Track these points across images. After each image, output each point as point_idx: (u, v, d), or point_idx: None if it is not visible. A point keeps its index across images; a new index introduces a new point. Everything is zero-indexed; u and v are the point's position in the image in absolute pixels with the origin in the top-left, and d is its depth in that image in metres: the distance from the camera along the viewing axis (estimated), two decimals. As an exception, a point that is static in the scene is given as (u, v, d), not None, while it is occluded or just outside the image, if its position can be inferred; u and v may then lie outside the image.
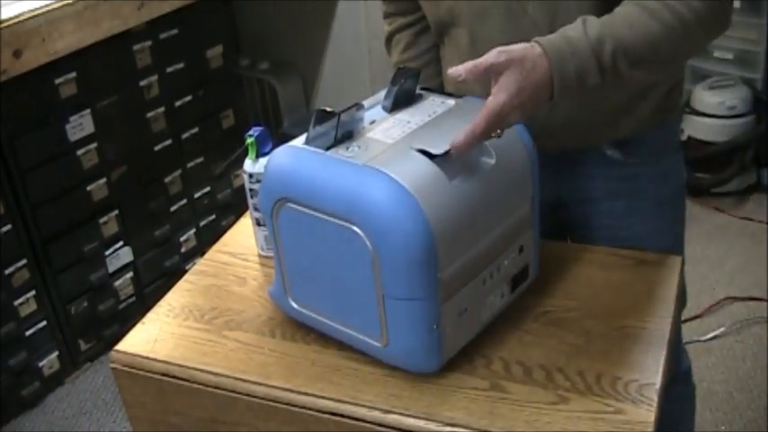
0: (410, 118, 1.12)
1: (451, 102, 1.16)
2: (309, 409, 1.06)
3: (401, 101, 1.15)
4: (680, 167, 1.38)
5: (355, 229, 0.97)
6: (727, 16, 1.11)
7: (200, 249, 2.59)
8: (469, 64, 1.00)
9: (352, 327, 1.07)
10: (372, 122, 1.11)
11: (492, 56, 1.00)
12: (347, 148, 1.05)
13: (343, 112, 1.05)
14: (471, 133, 0.98)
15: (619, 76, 1.05)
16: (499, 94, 0.99)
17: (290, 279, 1.11)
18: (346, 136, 1.07)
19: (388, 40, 1.41)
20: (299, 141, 1.08)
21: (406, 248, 0.96)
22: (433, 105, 1.15)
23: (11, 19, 1.87)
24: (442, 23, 1.29)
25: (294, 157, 1.05)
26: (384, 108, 1.15)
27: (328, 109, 1.06)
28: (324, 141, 1.05)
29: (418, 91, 1.18)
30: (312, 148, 1.05)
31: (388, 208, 0.96)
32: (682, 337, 1.48)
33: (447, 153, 1.00)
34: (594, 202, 1.34)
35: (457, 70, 1.00)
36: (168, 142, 2.45)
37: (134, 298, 2.45)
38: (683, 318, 1.41)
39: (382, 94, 1.17)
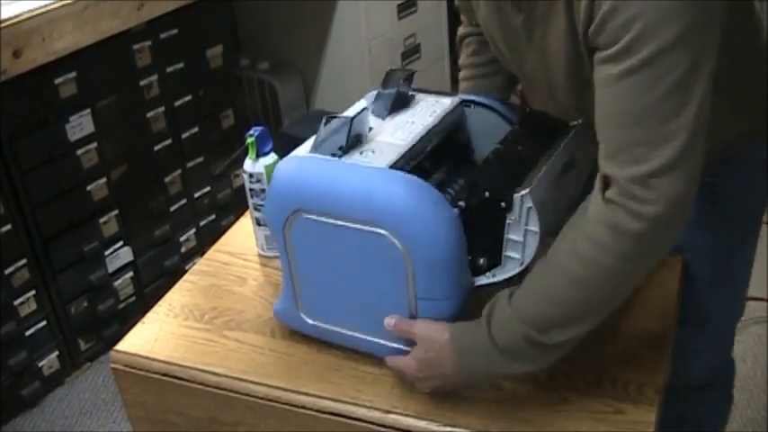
0: (412, 119, 1.11)
1: (447, 101, 1.15)
2: (309, 408, 1.06)
3: (398, 103, 1.14)
4: (762, 187, 1.28)
5: (386, 233, 0.96)
6: (676, 222, 0.93)
7: (200, 249, 2.58)
8: (395, 323, 1.04)
9: (377, 334, 1.06)
10: (371, 128, 1.10)
11: (415, 326, 1.03)
12: (361, 153, 1.03)
13: (354, 117, 1.04)
14: (387, 362, 1.07)
15: (551, 347, 0.97)
16: (410, 361, 1.04)
17: (304, 293, 1.09)
18: (355, 141, 1.06)
19: (460, 40, 1.39)
20: (303, 151, 1.06)
21: (441, 249, 0.96)
22: (430, 105, 1.14)
23: (10, 19, 1.87)
24: None
25: (309, 167, 1.03)
26: (379, 112, 1.13)
27: (339, 115, 1.05)
28: (331, 147, 1.04)
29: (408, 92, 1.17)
30: (326, 157, 1.03)
31: (420, 210, 0.95)
32: (732, 346, 1.46)
33: None
34: None
35: (388, 323, 1.04)
36: (168, 142, 2.44)
37: (134, 298, 2.45)
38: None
39: (366, 100, 1.16)
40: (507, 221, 0.99)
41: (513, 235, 0.99)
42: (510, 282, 1.02)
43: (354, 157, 1.03)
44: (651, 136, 0.89)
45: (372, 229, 0.97)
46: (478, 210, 0.99)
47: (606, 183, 0.93)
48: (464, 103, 1.18)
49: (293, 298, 1.10)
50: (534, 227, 0.98)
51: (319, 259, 1.04)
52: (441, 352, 1.00)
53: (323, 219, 1.00)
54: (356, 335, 1.08)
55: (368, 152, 1.04)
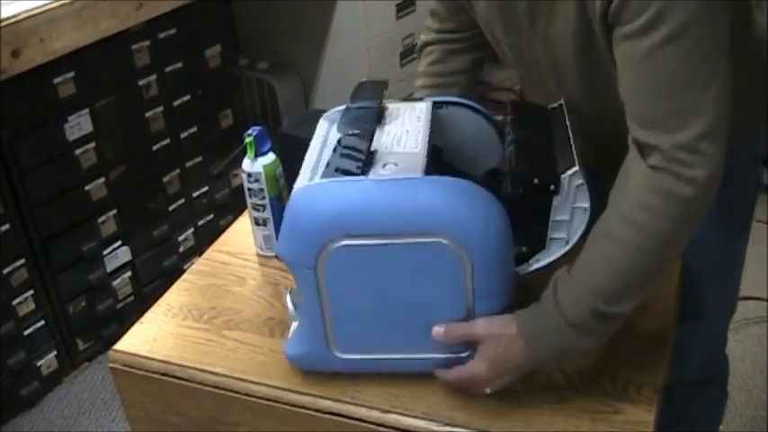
0: (404, 127, 1.09)
1: (422, 105, 1.14)
2: (309, 408, 1.06)
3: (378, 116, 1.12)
4: (755, 180, 1.31)
5: (442, 240, 0.95)
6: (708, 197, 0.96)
7: (198, 249, 2.58)
8: (447, 330, 1.00)
9: (428, 349, 1.03)
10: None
11: (477, 327, 1.00)
12: (384, 167, 1.01)
13: (371, 132, 1.03)
14: (443, 378, 1.04)
15: (613, 318, 0.98)
16: (479, 363, 1.01)
17: (338, 328, 1.04)
18: (370, 158, 1.03)
19: (421, 48, 1.39)
20: (305, 179, 1.02)
21: (498, 243, 0.97)
22: (409, 111, 1.13)
23: (9, 18, 1.87)
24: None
25: (343, 191, 0.98)
26: (348, 128, 1.09)
27: (356, 131, 1.04)
28: (330, 170, 1.01)
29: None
30: (353, 178, 0.99)
31: (477, 209, 0.96)
32: (727, 342, 1.47)
33: None
34: None
35: (438, 332, 1.01)
36: (167, 142, 2.44)
37: (132, 297, 2.45)
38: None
39: (327, 120, 1.14)
40: (554, 203, 1.01)
41: (559, 216, 1.02)
42: (552, 265, 1.04)
43: (380, 172, 0.99)
44: (687, 104, 0.93)
45: (426, 239, 0.95)
46: (524, 198, 1.01)
47: (645, 151, 0.95)
48: (436, 104, 1.17)
49: (322, 338, 1.04)
50: (584, 203, 1.01)
51: (360, 285, 1.00)
52: (510, 345, 0.99)
53: (366, 241, 0.96)
54: (402, 356, 1.05)
55: (390, 165, 1.01)
